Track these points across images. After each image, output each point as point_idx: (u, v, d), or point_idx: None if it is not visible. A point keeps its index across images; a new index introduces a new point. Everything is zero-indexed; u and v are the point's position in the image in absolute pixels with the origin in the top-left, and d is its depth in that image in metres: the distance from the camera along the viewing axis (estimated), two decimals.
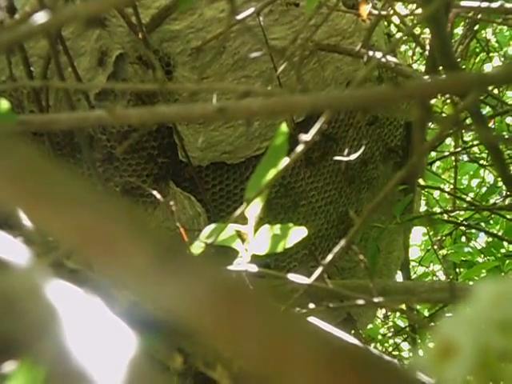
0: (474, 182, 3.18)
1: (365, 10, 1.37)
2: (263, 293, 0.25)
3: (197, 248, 0.90)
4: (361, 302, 0.91)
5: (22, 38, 0.50)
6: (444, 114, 2.41)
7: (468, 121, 2.15)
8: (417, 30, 2.38)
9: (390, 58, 1.61)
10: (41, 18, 0.50)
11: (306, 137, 0.75)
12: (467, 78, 0.50)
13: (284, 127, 0.83)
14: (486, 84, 0.52)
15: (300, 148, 0.76)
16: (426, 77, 1.43)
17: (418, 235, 3.23)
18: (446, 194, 2.94)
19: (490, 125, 2.50)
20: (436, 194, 3.01)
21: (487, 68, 2.99)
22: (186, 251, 0.26)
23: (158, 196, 1.07)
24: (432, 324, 2.22)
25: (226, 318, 0.24)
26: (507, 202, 2.68)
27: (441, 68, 1.29)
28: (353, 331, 2.06)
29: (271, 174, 0.82)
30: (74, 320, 0.29)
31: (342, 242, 0.84)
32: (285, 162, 0.80)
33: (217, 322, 0.24)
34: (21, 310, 0.30)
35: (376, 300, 0.90)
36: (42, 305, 0.30)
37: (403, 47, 2.84)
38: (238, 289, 0.25)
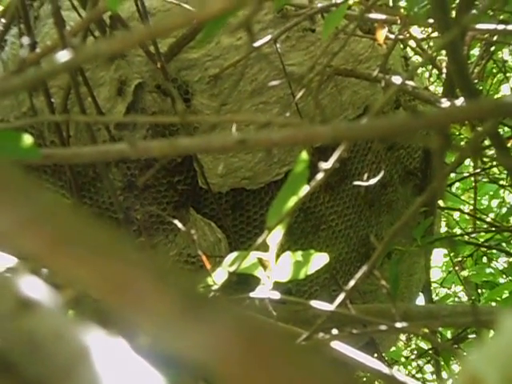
0: (494, 203, 3.16)
1: (381, 35, 1.38)
2: (289, 338, 0.25)
3: (219, 276, 0.91)
4: (383, 327, 0.91)
5: (45, 76, 0.51)
6: (462, 136, 2.41)
7: (486, 141, 2.14)
8: (432, 51, 2.38)
9: (407, 81, 1.61)
10: (63, 56, 0.51)
11: (325, 165, 0.75)
12: (485, 106, 0.51)
13: (304, 155, 0.83)
14: (504, 112, 0.52)
15: (320, 176, 0.76)
16: (444, 100, 1.44)
17: (438, 256, 3.21)
18: (466, 215, 2.93)
19: (509, 145, 2.50)
20: (456, 214, 3.00)
21: (504, 89, 2.99)
22: (212, 299, 0.26)
23: (180, 225, 1.07)
24: (455, 346, 2.21)
25: (253, 366, 0.25)
26: None
27: (458, 90, 1.29)
28: (375, 354, 2.05)
29: (292, 201, 0.82)
30: (101, 361, 0.29)
31: (364, 268, 0.84)
32: (305, 189, 0.81)
33: (244, 369, 0.25)
34: (47, 352, 0.30)
35: (399, 325, 0.90)
36: (67, 345, 0.30)
37: (420, 69, 2.84)
38: (265, 336, 0.25)
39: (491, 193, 3.07)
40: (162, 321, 0.26)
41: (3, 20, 1.62)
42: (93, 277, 0.27)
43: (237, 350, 0.25)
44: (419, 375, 3.07)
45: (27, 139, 0.65)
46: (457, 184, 3.01)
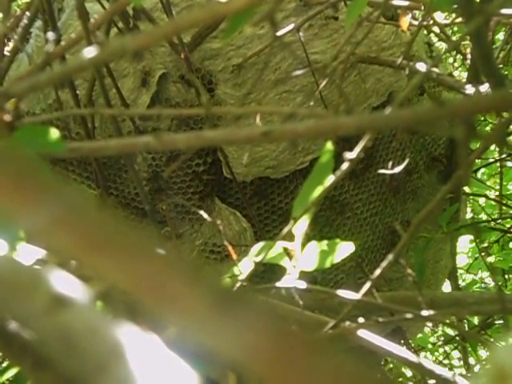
0: None
1: (405, 22, 1.37)
2: (317, 337, 0.25)
3: (246, 266, 0.91)
4: (410, 315, 0.91)
5: (71, 73, 0.52)
6: (487, 121, 2.39)
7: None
8: (456, 36, 2.37)
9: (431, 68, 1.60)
10: (89, 52, 0.51)
11: (350, 154, 0.75)
12: (510, 95, 0.51)
13: (329, 145, 0.83)
14: None
15: (345, 166, 0.76)
16: (468, 86, 1.43)
17: (464, 242, 3.20)
18: (492, 201, 2.91)
19: None
20: (482, 200, 2.98)
21: None
22: (242, 295, 0.26)
23: (205, 216, 1.08)
24: (482, 333, 2.20)
25: (281, 362, 0.25)
26: None
27: (483, 76, 1.28)
28: (402, 341, 2.05)
29: (317, 191, 0.82)
30: (135, 357, 0.30)
31: (390, 257, 0.84)
32: (330, 179, 0.81)
33: (273, 365, 0.25)
34: (81, 347, 0.31)
35: (425, 313, 0.90)
36: (102, 341, 0.31)
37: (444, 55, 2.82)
38: (294, 333, 0.25)
39: None
40: (193, 318, 0.26)
41: (28, 13, 1.63)
42: (126, 275, 0.28)
43: (266, 346, 0.25)
44: (446, 361, 3.06)
45: (54, 133, 0.66)
46: (482, 169, 2.99)
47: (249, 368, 0.26)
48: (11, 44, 1.72)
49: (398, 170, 1.27)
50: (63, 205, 0.28)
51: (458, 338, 2.55)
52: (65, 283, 0.34)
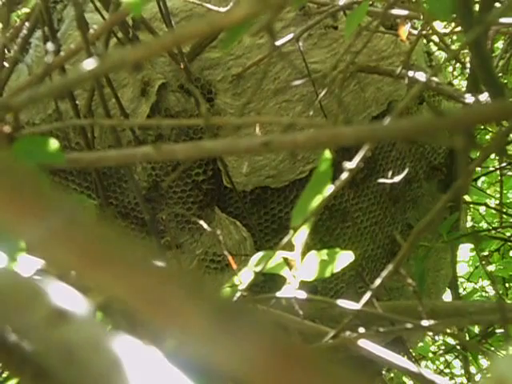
0: None
1: (404, 32, 1.37)
2: (318, 353, 0.25)
3: (246, 276, 0.91)
4: (410, 325, 0.91)
5: (71, 85, 0.52)
6: (487, 129, 2.39)
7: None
8: (455, 45, 2.37)
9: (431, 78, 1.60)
10: (89, 64, 0.51)
11: (350, 164, 0.76)
12: (510, 106, 0.51)
13: (328, 153, 0.83)
14: None
15: (344, 175, 0.76)
16: (468, 95, 1.43)
17: (465, 251, 3.19)
18: (492, 210, 2.91)
19: None
20: (482, 209, 2.98)
21: None
22: (243, 310, 0.26)
23: (205, 226, 1.08)
24: (483, 342, 2.20)
25: (280, 375, 0.25)
26: None
27: (482, 85, 1.28)
28: (403, 351, 2.04)
29: (317, 200, 0.82)
30: (135, 370, 0.30)
31: (390, 266, 0.84)
32: (330, 189, 0.81)
33: (271, 378, 0.25)
34: (82, 361, 0.31)
35: (426, 323, 0.90)
36: (103, 355, 0.31)
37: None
38: (293, 346, 0.25)
39: None
40: (193, 330, 0.26)
41: (27, 24, 1.63)
42: (125, 288, 0.28)
43: (266, 359, 0.25)
44: (447, 370, 3.06)
45: (53, 144, 0.66)
46: (482, 178, 2.99)
47: (248, 380, 0.26)
48: (11, 54, 1.73)
49: (397, 179, 1.27)
50: (62, 217, 0.28)
51: (458, 347, 2.55)
52: (65, 295, 0.34)
